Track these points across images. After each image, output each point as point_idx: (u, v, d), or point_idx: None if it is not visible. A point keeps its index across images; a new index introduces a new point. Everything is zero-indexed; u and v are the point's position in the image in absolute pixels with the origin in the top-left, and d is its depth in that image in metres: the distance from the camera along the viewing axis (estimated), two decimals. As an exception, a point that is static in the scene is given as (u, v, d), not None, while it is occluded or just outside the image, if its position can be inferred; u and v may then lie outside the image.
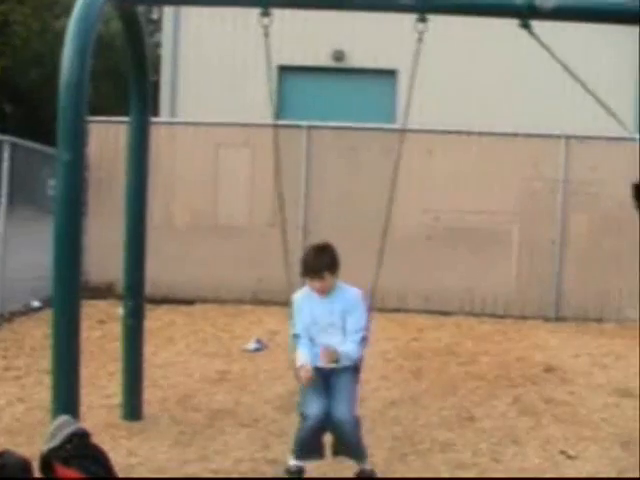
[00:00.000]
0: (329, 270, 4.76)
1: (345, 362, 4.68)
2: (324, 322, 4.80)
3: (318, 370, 4.65)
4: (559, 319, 10.38)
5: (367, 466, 4.66)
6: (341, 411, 4.56)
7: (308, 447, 4.66)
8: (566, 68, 4.48)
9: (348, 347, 4.68)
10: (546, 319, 10.38)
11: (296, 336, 4.79)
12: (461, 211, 10.50)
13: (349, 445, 4.63)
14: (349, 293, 4.84)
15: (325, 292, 4.79)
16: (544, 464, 4.97)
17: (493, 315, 10.41)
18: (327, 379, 4.70)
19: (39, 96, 28.47)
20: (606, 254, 10.34)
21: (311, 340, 4.80)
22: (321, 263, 4.77)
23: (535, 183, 10.50)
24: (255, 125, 10.72)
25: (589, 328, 9.90)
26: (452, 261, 10.51)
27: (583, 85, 4.46)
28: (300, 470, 4.67)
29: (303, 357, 4.66)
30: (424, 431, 5.56)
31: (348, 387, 4.71)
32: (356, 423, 4.61)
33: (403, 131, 4.16)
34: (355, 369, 4.79)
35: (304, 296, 4.88)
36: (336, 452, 4.74)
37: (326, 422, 4.58)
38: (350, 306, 4.78)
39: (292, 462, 4.66)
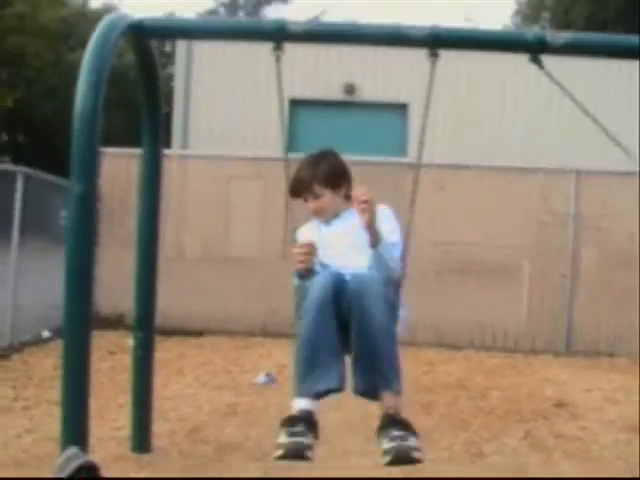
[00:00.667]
0: (325, 184, 3.78)
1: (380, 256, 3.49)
2: (340, 244, 3.69)
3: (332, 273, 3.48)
4: (570, 353, 10.33)
5: (395, 400, 3.51)
6: (365, 277, 3.39)
7: (316, 365, 3.41)
8: (575, 102, 4.49)
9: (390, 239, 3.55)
10: (557, 353, 10.33)
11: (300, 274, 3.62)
12: (472, 244, 10.50)
13: (375, 355, 3.40)
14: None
15: (325, 214, 3.80)
16: (555, 501, 4.93)
17: (503, 349, 10.37)
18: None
19: (52, 127, 28.70)
20: (617, 288, 10.31)
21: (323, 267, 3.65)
22: (312, 175, 3.81)
23: (545, 217, 10.50)
24: (267, 159, 10.78)
25: (600, 363, 9.84)
26: (462, 295, 10.48)
27: (594, 119, 4.46)
28: (308, 415, 3.46)
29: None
30: (434, 466, 5.51)
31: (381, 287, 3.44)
32: (392, 335, 3.49)
33: (417, 165, 4.14)
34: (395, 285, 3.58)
35: (308, 227, 3.91)
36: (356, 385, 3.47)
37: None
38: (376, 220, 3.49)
39: (297, 405, 3.52)
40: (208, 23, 6.46)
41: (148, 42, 5.04)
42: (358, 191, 3.41)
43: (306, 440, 3.34)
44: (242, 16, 39.62)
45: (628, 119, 13.60)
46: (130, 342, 6.16)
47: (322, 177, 3.76)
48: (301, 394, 3.50)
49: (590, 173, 10.44)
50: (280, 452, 3.36)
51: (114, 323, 10.22)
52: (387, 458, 3.37)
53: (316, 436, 3.42)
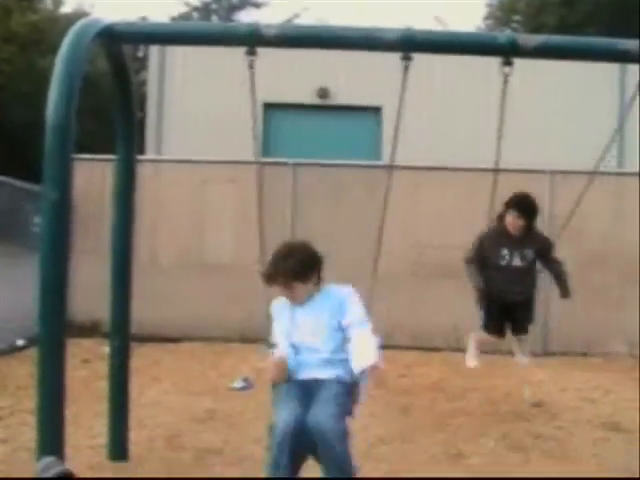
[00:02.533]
0: (294, 278, 4.13)
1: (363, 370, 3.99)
2: (309, 326, 4.16)
3: (299, 383, 4.05)
4: (546, 354, 10.37)
5: None
6: (320, 415, 3.80)
7: (281, 470, 3.81)
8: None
9: (366, 347, 4.03)
10: (533, 354, 10.35)
11: (274, 345, 4.24)
12: (447, 246, 10.51)
13: (330, 458, 3.83)
14: (338, 292, 4.27)
15: (298, 300, 4.22)
16: (534, 501, 4.95)
17: (480, 351, 10.38)
18: (310, 392, 4.01)
19: (25, 134, 28.49)
20: (592, 288, 10.36)
21: (294, 348, 4.17)
22: (282, 271, 4.17)
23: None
24: (241, 162, 10.76)
25: (576, 363, 9.89)
26: (438, 297, 10.50)
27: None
28: None
29: (280, 350, 4.13)
30: (413, 468, 5.52)
31: (337, 398, 3.95)
32: (343, 434, 3.86)
33: (390, 167, 4.19)
34: (351, 385, 4.10)
35: (283, 303, 4.33)
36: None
37: (301, 433, 3.79)
38: (339, 304, 4.19)
39: None
40: (181, 28, 6.44)
41: (120, 47, 5.02)
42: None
43: None
44: (215, 20, 39.49)
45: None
46: (106, 349, 6.12)
47: (290, 274, 4.13)
48: None
49: (564, 174, 10.49)
50: None
51: (89, 331, 10.14)
52: None
53: None
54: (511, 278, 6.46)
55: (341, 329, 4.14)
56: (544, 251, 6.56)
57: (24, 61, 30.32)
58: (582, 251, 10.47)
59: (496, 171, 5.88)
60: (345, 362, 4.11)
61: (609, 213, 10.46)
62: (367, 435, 6.31)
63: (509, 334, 6.97)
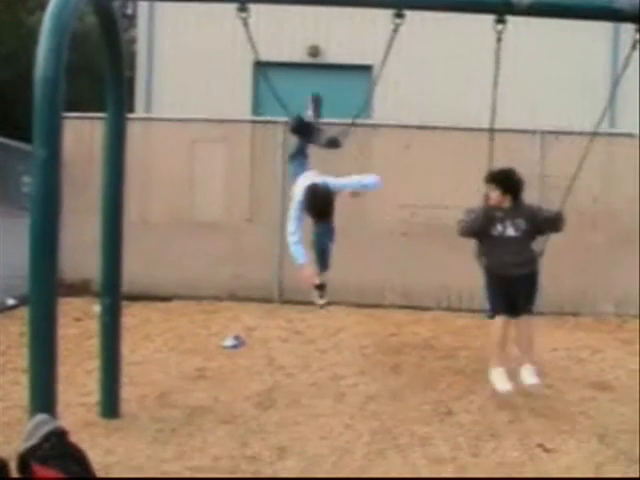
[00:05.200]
0: None
1: None
2: None
3: None
4: (536, 313, 10.40)
5: None
6: None
7: None
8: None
9: None
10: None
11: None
12: (438, 206, 10.50)
13: None
14: None
15: None
16: (522, 457, 5.00)
17: (470, 310, 10.43)
18: None
19: (13, 93, 28.22)
20: (582, 249, 10.39)
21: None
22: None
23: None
24: (231, 121, 10.69)
25: (565, 323, 9.95)
26: (429, 256, 10.51)
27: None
28: None
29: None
30: (403, 426, 5.58)
31: None
32: None
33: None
34: None
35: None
36: None
37: None
38: None
39: None
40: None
41: (110, 3, 4.96)
42: None
43: None
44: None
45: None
46: (96, 308, 6.13)
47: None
48: None
49: (555, 134, 10.47)
50: None
51: (80, 290, 10.13)
52: None
53: None
54: (508, 249, 6.20)
55: None
56: (536, 217, 6.31)
57: (10, 18, 29.93)
58: (572, 212, 10.46)
59: (491, 131, 5.87)
60: None
61: (600, 174, 10.45)
62: (358, 393, 6.37)
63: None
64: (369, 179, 6.46)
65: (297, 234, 5.98)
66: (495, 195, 6.28)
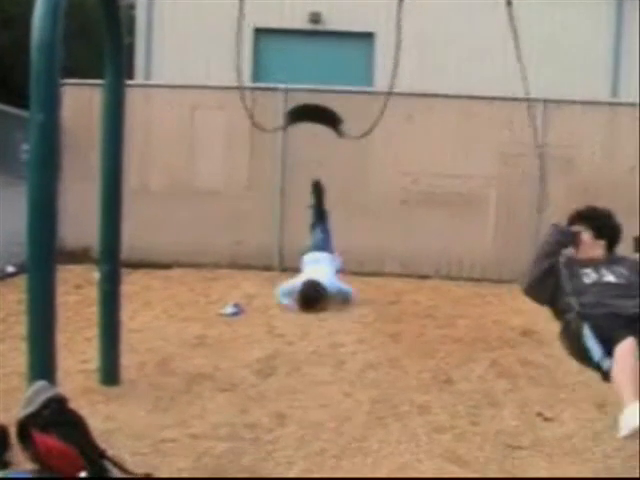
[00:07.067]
0: None
1: None
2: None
3: None
4: (511, 280, 10.41)
5: None
6: None
7: None
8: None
9: None
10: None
11: None
12: (439, 174, 10.47)
13: None
14: None
15: None
16: (521, 426, 5.01)
17: (470, 279, 10.44)
18: None
19: (11, 59, 28.03)
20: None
21: None
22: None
23: (513, 147, 10.47)
24: (231, 87, 10.59)
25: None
26: (429, 225, 10.50)
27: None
28: None
29: None
30: (402, 394, 5.58)
31: None
32: None
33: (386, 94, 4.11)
34: None
35: None
36: None
37: None
38: None
39: None
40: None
41: (108, -33, 4.89)
42: None
43: None
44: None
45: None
46: (96, 275, 6.12)
47: None
48: None
49: (557, 102, 10.41)
50: None
51: (80, 257, 10.12)
52: None
53: None
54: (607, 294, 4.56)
55: None
56: None
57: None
58: (572, 181, 10.44)
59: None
60: None
61: (601, 143, 10.40)
62: (357, 361, 6.37)
63: None
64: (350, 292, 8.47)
65: (287, 298, 8.06)
66: (587, 237, 4.94)
